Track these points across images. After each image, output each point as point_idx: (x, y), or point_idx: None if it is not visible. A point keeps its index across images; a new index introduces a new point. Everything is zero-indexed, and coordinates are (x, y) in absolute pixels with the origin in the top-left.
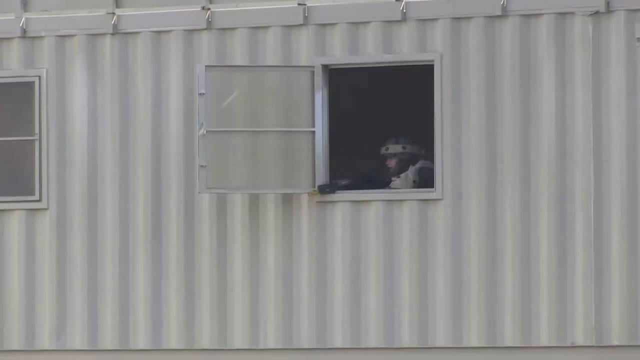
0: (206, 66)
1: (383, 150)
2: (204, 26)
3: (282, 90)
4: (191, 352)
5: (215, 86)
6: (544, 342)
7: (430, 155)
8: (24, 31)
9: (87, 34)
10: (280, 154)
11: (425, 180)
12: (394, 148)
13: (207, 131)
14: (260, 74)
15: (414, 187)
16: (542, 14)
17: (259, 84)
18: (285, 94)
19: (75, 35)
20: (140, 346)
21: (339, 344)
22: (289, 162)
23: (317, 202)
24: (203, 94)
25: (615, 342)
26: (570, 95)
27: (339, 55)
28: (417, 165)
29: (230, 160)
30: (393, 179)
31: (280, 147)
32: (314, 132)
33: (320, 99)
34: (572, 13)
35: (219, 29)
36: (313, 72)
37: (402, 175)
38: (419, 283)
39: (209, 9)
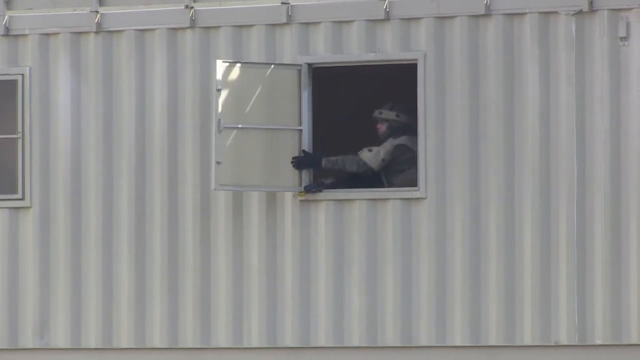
0: (223, 61)
1: (376, 114)
2: (188, 24)
3: (270, 88)
4: (175, 350)
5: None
6: (528, 341)
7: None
8: (7, 29)
9: (71, 32)
10: (267, 152)
11: (397, 159)
12: (388, 114)
13: (224, 127)
14: (251, 71)
15: (380, 165)
16: (525, 13)
17: (249, 81)
18: (274, 92)
19: (59, 33)
20: (124, 345)
21: (322, 342)
22: (275, 160)
23: (300, 200)
24: (220, 89)
25: (599, 342)
26: (554, 94)
27: (323, 54)
28: (396, 142)
29: (236, 157)
30: (364, 149)
31: (266, 145)
32: (300, 130)
33: (307, 97)
34: (555, 12)
35: (202, 27)
36: (300, 71)
37: (375, 149)
38: (402, 282)
39: (192, 7)
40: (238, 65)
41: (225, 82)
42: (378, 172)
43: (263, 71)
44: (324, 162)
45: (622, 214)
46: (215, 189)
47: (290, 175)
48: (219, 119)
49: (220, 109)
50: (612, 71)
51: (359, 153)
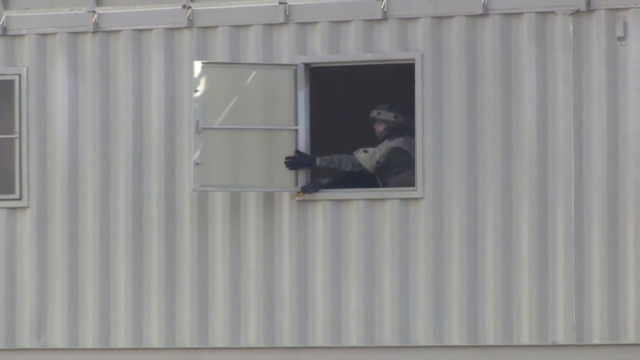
0: (203, 63)
1: (374, 114)
2: (185, 24)
3: (265, 88)
4: (172, 350)
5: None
6: (525, 340)
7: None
8: (4, 29)
9: (68, 32)
10: (263, 152)
11: (391, 161)
12: (386, 115)
13: (203, 128)
14: (245, 71)
15: (375, 167)
16: (523, 13)
17: (243, 81)
18: (269, 92)
19: (56, 33)
20: (122, 345)
21: (320, 342)
22: (271, 160)
23: (298, 200)
24: (198, 91)
25: (596, 341)
26: (552, 94)
27: (320, 53)
28: (392, 145)
29: (216, 158)
30: (360, 149)
31: (263, 145)
32: (297, 130)
33: (303, 97)
34: (552, 12)
35: (200, 27)
36: (296, 71)
37: (371, 150)
38: (400, 282)
39: (189, 7)
40: (231, 65)
41: (218, 82)
42: (373, 173)
43: (257, 71)
44: (318, 161)
45: (620, 214)
46: (194, 190)
47: (287, 175)
48: (197, 120)
49: (198, 110)
50: (609, 71)
51: (354, 153)
